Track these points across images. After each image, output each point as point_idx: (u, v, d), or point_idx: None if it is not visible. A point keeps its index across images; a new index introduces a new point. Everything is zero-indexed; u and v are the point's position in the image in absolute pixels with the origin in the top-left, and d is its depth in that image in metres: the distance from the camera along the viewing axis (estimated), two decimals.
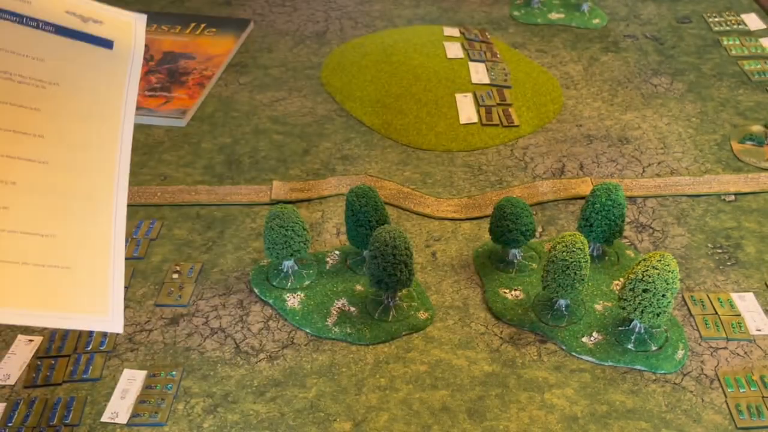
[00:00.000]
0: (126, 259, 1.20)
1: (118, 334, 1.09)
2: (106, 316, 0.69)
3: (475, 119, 1.50)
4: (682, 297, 1.15)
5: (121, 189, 0.70)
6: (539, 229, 1.28)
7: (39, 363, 1.04)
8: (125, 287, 1.16)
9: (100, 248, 0.69)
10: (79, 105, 0.71)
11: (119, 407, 0.99)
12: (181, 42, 1.77)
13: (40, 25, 0.70)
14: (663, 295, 0.99)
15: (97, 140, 0.71)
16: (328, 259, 1.20)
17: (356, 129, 1.52)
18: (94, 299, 0.69)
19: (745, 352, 1.06)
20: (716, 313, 1.12)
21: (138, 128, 1.52)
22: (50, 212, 0.68)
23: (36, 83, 0.68)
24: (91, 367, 1.04)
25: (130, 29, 0.76)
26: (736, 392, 1.00)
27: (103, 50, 0.74)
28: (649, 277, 0.98)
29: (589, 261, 1.04)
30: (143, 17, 0.80)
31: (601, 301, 1.12)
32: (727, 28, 1.85)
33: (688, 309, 1.13)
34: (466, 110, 1.51)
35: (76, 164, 0.69)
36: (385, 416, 0.98)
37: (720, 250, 1.23)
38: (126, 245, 1.23)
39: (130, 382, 1.02)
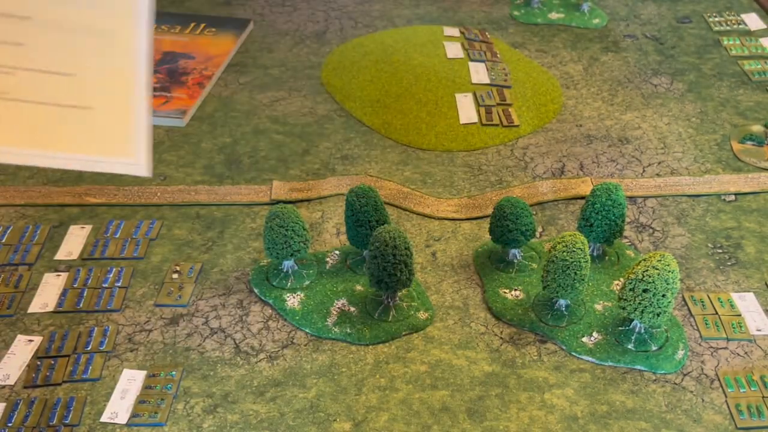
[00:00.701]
0: (125, 259, 1.21)
1: (119, 333, 1.09)
2: (132, 158, 0.66)
3: (475, 119, 1.50)
4: (682, 297, 1.15)
5: (145, 28, 0.65)
6: (539, 229, 1.27)
7: (39, 363, 1.04)
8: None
9: (123, 88, 0.64)
10: None
11: (119, 407, 0.99)
12: (181, 42, 1.76)
13: None
14: (663, 295, 0.99)
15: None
16: (328, 259, 1.20)
17: (356, 129, 1.52)
18: (120, 141, 0.65)
19: (746, 352, 1.06)
20: (716, 313, 1.11)
21: None
22: (69, 50, 0.64)
23: None
24: (90, 367, 1.04)
25: None
26: (737, 392, 1.00)
27: None
28: (649, 277, 0.98)
29: (589, 261, 1.04)
30: None
31: (601, 301, 1.12)
32: (727, 28, 1.85)
33: (688, 309, 1.13)
34: (466, 110, 1.51)
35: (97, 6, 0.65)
36: (385, 416, 0.98)
37: (720, 250, 1.23)
38: (126, 245, 1.24)
39: (130, 382, 1.02)
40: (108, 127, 0.65)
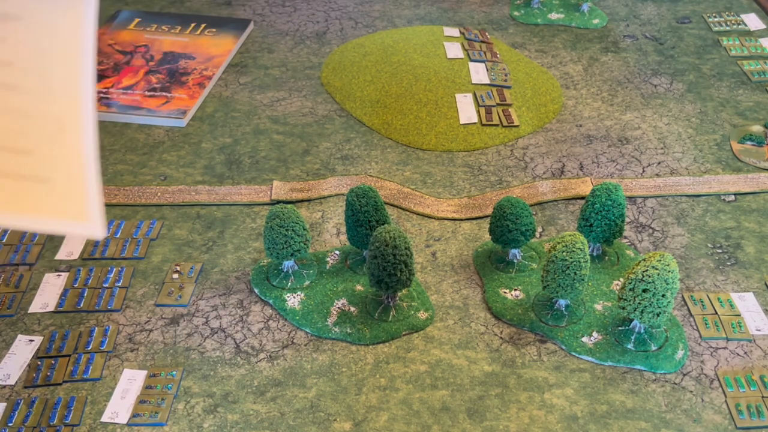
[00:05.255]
0: (126, 259, 1.21)
1: (119, 333, 1.09)
2: (88, 221, 0.72)
3: (475, 119, 1.50)
4: (682, 297, 1.15)
5: (89, 113, 0.72)
6: (539, 229, 1.28)
7: (39, 363, 1.05)
8: (126, 287, 1.16)
9: (76, 163, 0.71)
10: (42, 37, 0.73)
11: (119, 407, 0.99)
12: (181, 42, 1.77)
13: None
14: (663, 295, 0.99)
15: (63, 71, 0.72)
16: (328, 259, 1.20)
17: (356, 129, 1.53)
18: (75, 207, 0.71)
19: (745, 352, 1.06)
20: (716, 313, 1.12)
21: (138, 128, 1.53)
22: (25, 132, 0.70)
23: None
24: (91, 367, 1.04)
25: None
26: (736, 392, 1.01)
27: None
28: (649, 277, 0.98)
29: (589, 261, 1.04)
30: None
31: (601, 301, 1.12)
32: (727, 28, 1.85)
33: (688, 309, 1.13)
34: (466, 110, 1.51)
35: (43, 91, 0.71)
36: (385, 416, 0.98)
37: (720, 250, 1.23)
38: (126, 245, 1.24)
39: (131, 382, 1.02)
40: (65, 195, 0.71)
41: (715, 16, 1.90)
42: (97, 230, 0.71)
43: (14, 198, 0.69)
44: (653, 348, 1.05)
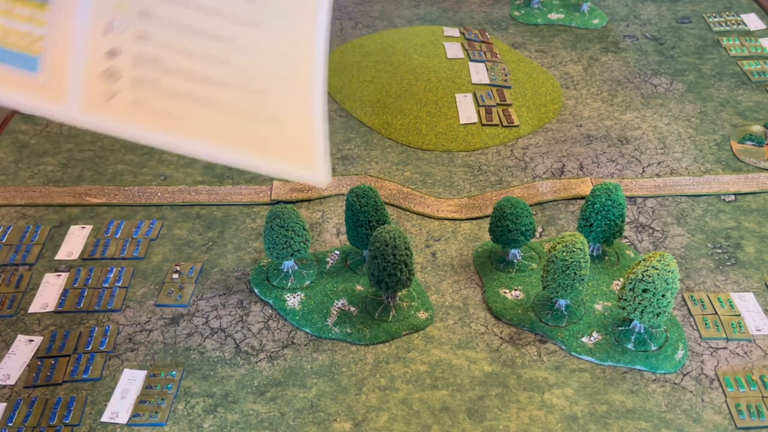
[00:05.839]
0: (126, 259, 1.21)
1: (119, 333, 1.09)
2: (313, 168, 0.72)
3: (475, 119, 1.50)
4: (682, 297, 1.15)
5: (321, 59, 0.71)
6: (539, 229, 1.28)
7: (39, 363, 1.05)
8: (128, 286, 1.16)
9: (306, 108, 0.70)
10: None
11: (119, 407, 0.99)
12: None
13: None
14: (663, 295, 0.99)
15: (301, 11, 0.72)
16: (328, 259, 1.21)
17: (356, 129, 1.53)
18: (304, 152, 0.71)
19: (745, 352, 1.06)
20: (716, 313, 1.12)
21: None
22: (262, 72, 0.70)
23: None
24: (91, 367, 1.04)
25: None
26: (736, 392, 1.01)
27: None
28: (649, 277, 0.98)
29: (589, 261, 1.04)
30: None
31: (601, 301, 1.12)
32: (727, 28, 1.85)
33: (688, 309, 1.13)
34: (466, 110, 1.51)
35: (282, 30, 0.71)
36: (385, 416, 0.98)
37: (720, 250, 1.23)
38: (126, 246, 1.24)
39: (131, 382, 1.03)
40: (295, 140, 0.71)
41: (715, 16, 1.90)
42: (323, 178, 0.71)
43: (246, 137, 0.68)
44: (653, 348, 1.05)
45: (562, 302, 1.10)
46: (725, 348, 1.07)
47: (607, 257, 1.20)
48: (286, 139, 0.70)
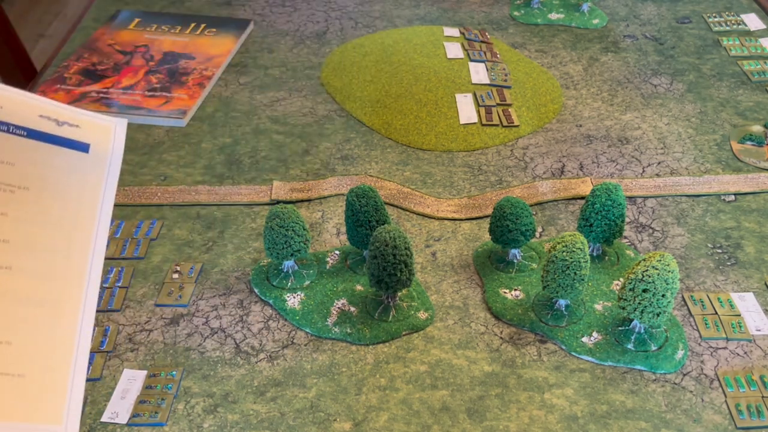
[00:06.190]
0: (126, 259, 1.21)
1: (119, 333, 1.09)
2: (60, 426, 0.67)
3: (475, 119, 1.50)
4: (682, 297, 1.15)
5: (91, 297, 0.68)
6: (539, 229, 1.28)
7: None
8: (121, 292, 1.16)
9: (60, 357, 0.67)
10: (50, 209, 0.69)
11: (119, 407, 0.99)
12: (181, 42, 1.77)
13: (11, 129, 0.68)
14: (663, 295, 0.99)
15: (67, 246, 0.68)
16: (328, 259, 1.21)
17: (356, 129, 1.53)
18: (48, 408, 0.67)
19: (745, 352, 1.06)
20: (716, 313, 1.12)
21: (138, 128, 1.52)
22: (8, 319, 0.66)
23: (4, 187, 0.66)
24: (91, 367, 1.04)
25: (109, 133, 0.74)
26: (736, 392, 1.01)
27: (78, 153, 0.72)
28: (649, 277, 0.98)
29: (589, 261, 1.04)
30: (123, 122, 0.77)
31: (601, 301, 1.12)
32: (727, 28, 1.85)
33: (688, 309, 1.13)
34: (466, 110, 1.51)
35: (41, 271, 0.67)
36: (385, 416, 0.98)
37: (720, 250, 1.23)
38: (126, 245, 1.24)
39: (131, 382, 1.03)
40: (39, 394, 0.67)
41: (715, 16, 1.90)
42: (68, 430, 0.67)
43: None
44: (653, 348, 1.05)
45: (562, 302, 1.10)
46: (725, 348, 1.07)
47: (607, 257, 1.20)
48: (29, 396, 0.65)
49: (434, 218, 1.30)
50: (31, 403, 0.66)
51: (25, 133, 0.69)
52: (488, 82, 1.58)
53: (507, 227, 1.14)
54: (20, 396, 0.65)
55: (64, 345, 0.67)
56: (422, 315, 1.12)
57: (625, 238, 1.25)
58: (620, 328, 1.08)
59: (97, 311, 1.12)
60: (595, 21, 1.88)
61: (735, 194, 1.34)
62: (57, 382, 0.67)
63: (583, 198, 1.32)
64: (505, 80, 1.59)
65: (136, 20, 1.85)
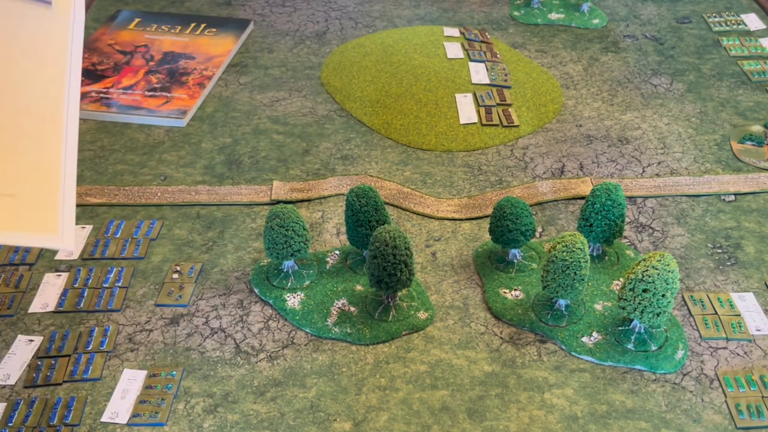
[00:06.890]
0: (126, 259, 1.21)
1: (119, 333, 1.09)
2: (56, 234, 0.71)
3: (475, 119, 1.50)
4: (682, 297, 1.15)
5: (71, 131, 0.71)
6: (539, 229, 1.28)
7: (39, 363, 1.05)
8: (126, 286, 1.16)
9: (48, 178, 0.71)
10: (22, 58, 0.72)
11: (119, 407, 0.99)
12: (181, 42, 1.77)
13: None
14: (663, 295, 0.99)
15: (43, 87, 0.71)
16: (328, 259, 1.21)
17: (356, 129, 1.53)
18: (42, 220, 0.71)
19: (745, 352, 1.06)
20: (716, 313, 1.12)
21: (138, 128, 1.53)
22: None
23: None
24: (91, 367, 1.04)
25: None
26: (736, 392, 1.01)
27: (42, 7, 0.74)
28: (649, 277, 0.98)
29: (589, 261, 1.04)
30: None
31: (601, 301, 1.12)
32: (727, 28, 1.85)
33: (688, 309, 1.13)
34: (466, 110, 1.51)
35: (22, 108, 0.71)
36: (385, 416, 0.98)
37: (720, 250, 1.23)
38: (126, 245, 1.24)
39: (131, 382, 1.03)
40: (31, 209, 0.71)
41: (715, 16, 1.90)
42: (67, 243, 0.70)
43: None
44: (653, 348, 1.05)
45: (562, 302, 1.10)
46: (725, 348, 1.07)
47: (607, 257, 1.20)
48: (24, 211, 0.69)
49: (434, 218, 1.30)
50: (25, 216, 0.70)
51: None
52: (488, 82, 1.58)
53: (507, 227, 1.14)
54: (14, 211, 0.70)
55: (52, 168, 0.71)
56: (422, 315, 1.12)
57: (625, 238, 1.25)
58: (620, 328, 1.08)
59: (98, 311, 1.13)
60: (595, 21, 1.88)
61: (735, 194, 1.34)
62: (49, 199, 0.71)
63: (583, 198, 1.32)
64: (505, 80, 1.59)
65: (136, 20, 1.85)
